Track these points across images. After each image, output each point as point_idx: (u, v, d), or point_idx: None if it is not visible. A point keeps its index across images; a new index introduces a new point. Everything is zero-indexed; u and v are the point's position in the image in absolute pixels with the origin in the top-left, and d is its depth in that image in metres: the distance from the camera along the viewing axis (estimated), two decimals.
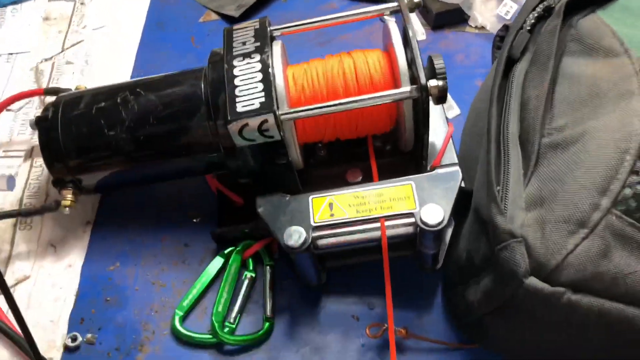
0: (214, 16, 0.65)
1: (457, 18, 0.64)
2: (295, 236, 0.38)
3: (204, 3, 0.67)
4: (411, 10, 0.43)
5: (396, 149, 0.46)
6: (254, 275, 0.46)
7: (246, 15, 0.64)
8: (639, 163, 0.31)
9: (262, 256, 0.47)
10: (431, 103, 0.40)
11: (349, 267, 0.45)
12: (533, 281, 0.31)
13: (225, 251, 0.47)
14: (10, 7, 0.66)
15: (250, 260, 0.46)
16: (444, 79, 0.39)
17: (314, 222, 0.39)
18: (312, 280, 0.44)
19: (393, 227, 0.39)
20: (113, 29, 0.64)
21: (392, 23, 0.43)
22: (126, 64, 0.60)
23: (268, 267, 0.46)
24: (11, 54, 0.61)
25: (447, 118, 0.47)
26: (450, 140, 0.45)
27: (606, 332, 0.31)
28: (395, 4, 0.43)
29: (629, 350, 0.33)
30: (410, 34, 0.40)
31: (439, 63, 0.40)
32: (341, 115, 0.42)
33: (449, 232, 0.43)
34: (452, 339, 0.43)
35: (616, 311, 0.30)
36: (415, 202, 0.39)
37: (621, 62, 0.35)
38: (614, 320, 0.30)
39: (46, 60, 0.60)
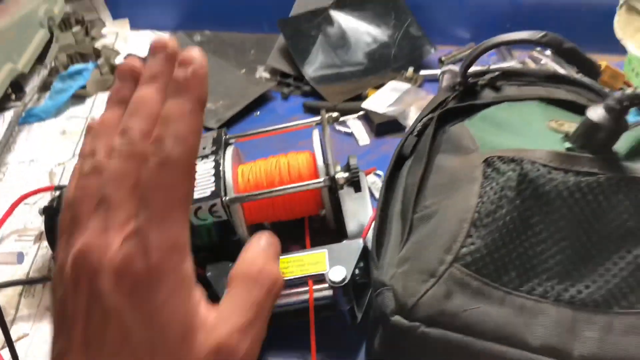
0: (205, 134, 0.80)
1: (395, 127, 0.78)
2: None
3: None
4: (330, 123, 0.57)
5: (327, 228, 0.58)
6: None
7: (224, 126, 0.79)
8: (472, 229, 0.42)
9: None
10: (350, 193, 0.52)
11: (288, 328, 0.55)
12: (397, 318, 0.41)
13: None
14: (35, 125, 0.82)
15: None
16: (355, 172, 0.52)
17: None
18: None
19: (310, 291, 0.50)
20: None
21: (315, 132, 0.56)
22: None
23: None
24: (32, 160, 0.76)
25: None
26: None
27: (451, 358, 0.41)
28: (318, 118, 0.57)
29: None
30: (327, 140, 0.54)
31: (353, 162, 0.53)
32: (278, 200, 0.55)
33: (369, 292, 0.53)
34: None
35: (456, 340, 0.40)
36: (327, 265, 0.50)
37: (473, 157, 0.47)
38: (454, 347, 0.40)
39: (59, 164, 0.75)
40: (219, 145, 0.56)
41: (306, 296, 0.52)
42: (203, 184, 0.53)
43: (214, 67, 0.91)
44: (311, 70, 0.86)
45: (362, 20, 0.90)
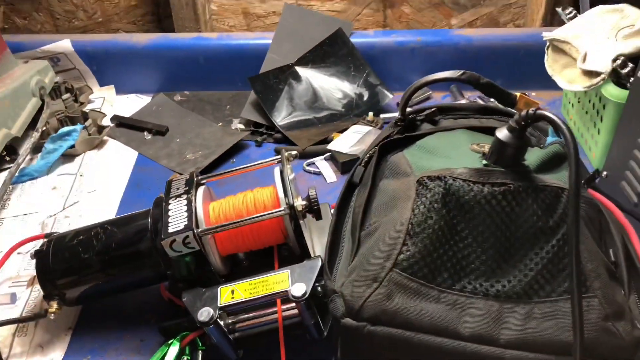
0: (179, 177, 0.87)
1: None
2: (205, 314, 0.54)
3: (171, 168, 0.89)
4: (289, 160, 0.64)
5: (294, 254, 0.64)
6: (189, 358, 0.61)
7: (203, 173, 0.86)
8: (407, 238, 0.48)
9: (196, 343, 0.62)
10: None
11: (262, 347, 0.60)
12: (347, 320, 0.47)
13: (169, 342, 0.62)
14: (28, 183, 0.89)
15: (187, 347, 0.62)
16: (314, 201, 0.59)
17: (220, 304, 0.56)
18: (231, 356, 0.59)
19: (279, 308, 0.56)
20: (102, 192, 0.86)
21: (276, 169, 0.63)
22: (110, 216, 0.81)
23: (200, 351, 0.61)
24: (25, 214, 0.82)
25: None
26: None
27: (397, 352, 0.46)
28: (279, 157, 0.65)
29: None
30: (285, 176, 0.61)
31: (312, 193, 0.60)
32: (245, 230, 0.61)
33: None
34: None
35: (398, 335, 0.45)
36: (289, 283, 0.55)
37: (409, 179, 0.54)
38: (397, 342, 0.45)
39: (50, 216, 0.81)
40: (191, 185, 0.63)
41: (275, 316, 0.57)
42: (177, 220, 0.59)
43: (193, 123, 1.00)
44: (280, 118, 0.94)
45: (325, 73, 0.99)
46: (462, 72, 0.57)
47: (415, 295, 0.47)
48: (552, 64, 0.82)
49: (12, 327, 0.65)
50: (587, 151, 0.86)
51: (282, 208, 0.59)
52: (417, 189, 0.50)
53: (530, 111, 0.46)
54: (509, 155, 0.49)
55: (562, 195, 0.47)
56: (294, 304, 0.57)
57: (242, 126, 0.98)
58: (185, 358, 0.61)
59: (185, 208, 0.60)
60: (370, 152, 0.62)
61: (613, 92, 0.74)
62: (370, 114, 0.94)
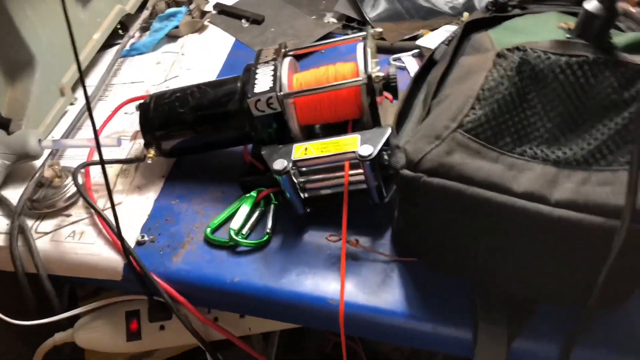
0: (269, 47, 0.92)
1: None
2: (279, 164, 0.59)
3: None
4: (374, 37, 0.66)
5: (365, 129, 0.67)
6: (263, 209, 0.67)
7: None
8: (476, 103, 0.49)
9: (270, 198, 0.68)
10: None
11: (326, 206, 0.65)
12: (405, 171, 0.50)
13: (246, 195, 0.69)
14: (137, 56, 0.97)
15: (262, 200, 0.68)
16: (393, 77, 0.61)
17: (293, 158, 0.61)
18: (299, 209, 0.64)
19: (346, 167, 0.60)
20: (199, 70, 0.92)
21: (359, 45, 0.65)
22: None
23: (273, 205, 0.67)
24: (132, 82, 0.91)
25: None
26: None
27: (449, 204, 0.48)
28: (364, 33, 0.67)
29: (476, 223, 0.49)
30: (368, 53, 0.63)
31: (392, 70, 0.62)
32: (324, 98, 0.64)
33: None
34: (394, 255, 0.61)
35: (451, 187, 0.47)
36: (358, 144, 0.59)
37: (489, 54, 0.54)
38: (450, 193, 0.48)
39: (153, 85, 0.89)
40: (279, 54, 0.67)
41: (343, 180, 0.61)
42: (263, 83, 0.64)
43: (288, 14, 1.03)
44: (374, 14, 0.95)
45: None
46: None
47: (475, 154, 0.48)
48: None
49: (117, 168, 0.75)
50: None
51: (360, 78, 0.61)
52: (495, 60, 0.51)
53: None
54: (596, 28, 0.48)
55: None
56: (361, 170, 0.60)
57: (334, 20, 1.00)
58: (260, 209, 0.67)
59: (272, 73, 0.65)
60: (455, 32, 0.62)
61: None
62: (466, 14, 0.92)
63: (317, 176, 0.64)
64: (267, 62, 0.67)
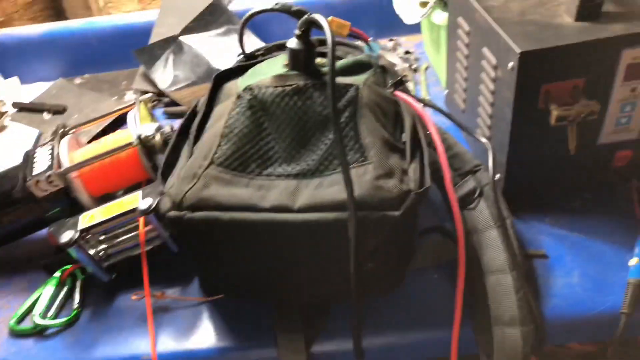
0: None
1: None
2: (66, 236, 0.61)
3: None
4: (147, 103, 0.71)
5: None
6: (70, 286, 0.68)
7: None
8: (223, 140, 0.56)
9: (76, 275, 0.69)
10: None
11: (136, 266, 0.67)
12: (171, 213, 0.54)
13: (51, 277, 0.69)
14: None
15: (68, 278, 0.68)
16: (168, 135, 0.66)
17: (80, 227, 0.63)
18: (103, 277, 0.66)
19: (140, 223, 0.63)
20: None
21: (129, 113, 0.70)
22: None
23: (80, 280, 0.68)
24: None
25: None
26: None
27: (214, 233, 0.53)
28: (133, 102, 0.72)
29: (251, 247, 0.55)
30: (135, 115, 0.68)
31: (166, 129, 0.67)
32: (106, 167, 0.68)
33: None
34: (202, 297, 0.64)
35: (210, 217, 0.52)
36: (139, 200, 0.63)
37: (232, 98, 0.61)
38: (212, 222, 0.52)
39: None
40: (56, 135, 0.70)
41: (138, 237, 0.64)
42: (42, 163, 0.66)
43: (90, 100, 1.06)
44: (167, 85, 1.01)
45: (209, 39, 1.07)
46: (276, 2, 0.65)
47: (227, 183, 0.54)
48: (396, 2, 0.91)
49: None
50: (441, 77, 0.95)
51: (132, 140, 0.66)
52: (234, 101, 0.58)
53: (305, 17, 0.55)
54: (301, 60, 0.57)
55: (348, 89, 0.56)
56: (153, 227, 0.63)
57: (135, 96, 1.04)
58: (67, 287, 0.67)
59: (50, 153, 0.67)
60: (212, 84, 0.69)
61: (439, 18, 0.83)
62: None
63: (118, 239, 0.66)
64: (44, 144, 0.69)
